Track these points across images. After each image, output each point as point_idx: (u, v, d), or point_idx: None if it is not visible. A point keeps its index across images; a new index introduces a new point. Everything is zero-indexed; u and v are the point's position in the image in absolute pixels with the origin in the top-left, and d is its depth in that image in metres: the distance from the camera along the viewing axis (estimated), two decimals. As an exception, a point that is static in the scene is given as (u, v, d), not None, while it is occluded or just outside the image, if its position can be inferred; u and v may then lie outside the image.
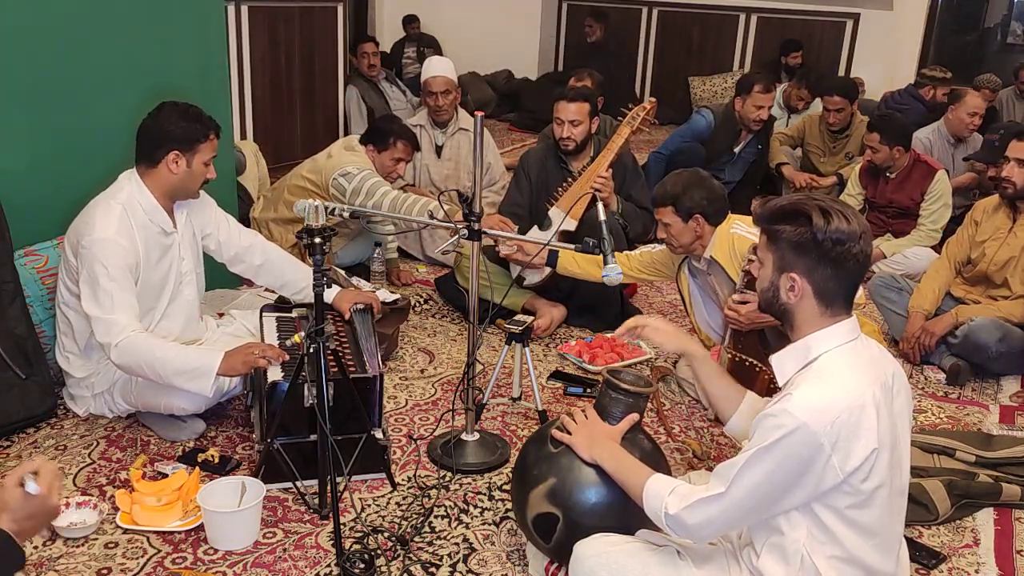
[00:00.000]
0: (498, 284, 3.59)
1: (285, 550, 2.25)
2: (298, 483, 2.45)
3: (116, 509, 2.34)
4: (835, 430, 1.60)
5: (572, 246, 2.59)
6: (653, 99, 3.80)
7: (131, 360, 2.51)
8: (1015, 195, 3.50)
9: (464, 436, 2.72)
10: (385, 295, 3.46)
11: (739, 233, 2.91)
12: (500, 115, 8.51)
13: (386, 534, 2.31)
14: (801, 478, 1.63)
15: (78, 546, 2.21)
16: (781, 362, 1.78)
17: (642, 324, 2.14)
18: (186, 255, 2.81)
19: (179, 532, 2.27)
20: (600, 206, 2.80)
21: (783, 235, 1.71)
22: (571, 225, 3.51)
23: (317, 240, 2.22)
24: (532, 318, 3.18)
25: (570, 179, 3.69)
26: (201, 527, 2.27)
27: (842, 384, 1.64)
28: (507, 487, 2.52)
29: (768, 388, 2.63)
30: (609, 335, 3.62)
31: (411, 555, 2.24)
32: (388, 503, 2.47)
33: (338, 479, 2.33)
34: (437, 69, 4.50)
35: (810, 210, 1.68)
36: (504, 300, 3.42)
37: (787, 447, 1.61)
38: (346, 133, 6.77)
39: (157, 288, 2.73)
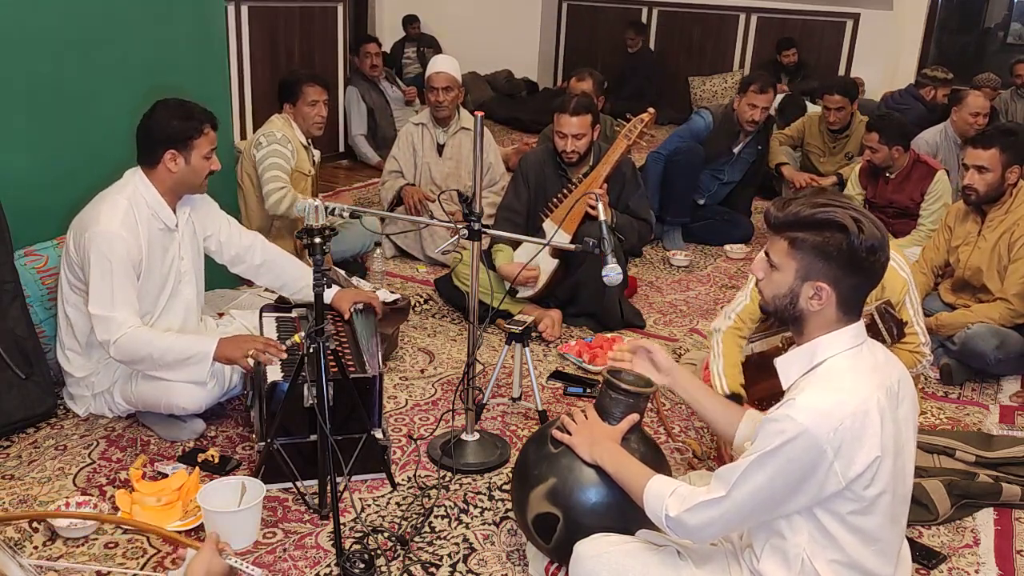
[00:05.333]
0: (495, 290, 3.59)
1: (285, 550, 2.25)
2: (298, 483, 2.45)
3: (116, 509, 2.34)
4: (838, 436, 1.58)
5: (572, 246, 2.58)
6: (652, 110, 3.74)
7: (131, 355, 2.55)
8: (979, 201, 3.52)
9: (464, 436, 2.72)
10: (385, 295, 3.46)
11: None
12: (496, 119, 8.46)
13: (386, 534, 2.31)
14: (803, 484, 1.62)
15: (78, 546, 2.21)
16: (786, 366, 1.77)
17: (641, 347, 2.11)
18: (186, 254, 2.82)
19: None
20: (601, 205, 2.79)
21: (810, 243, 1.66)
22: (564, 239, 3.46)
23: (317, 240, 2.22)
24: (532, 318, 3.18)
25: (569, 186, 3.64)
26: (201, 527, 2.27)
27: (846, 389, 1.63)
28: (507, 487, 2.52)
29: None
30: (609, 335, 3.63)
31: (411, 555, 2.24)
32: (388, 503, 2.47)
33: (338, 479, 2.33)
34: (440, 66, 4.52)
35: (842, 219, 1.63)
36: (499, 306, 3.45)
37: (789, 452, 1.60)
38: (346, 133, 6.78)
39: (157, 286, 2.74)
